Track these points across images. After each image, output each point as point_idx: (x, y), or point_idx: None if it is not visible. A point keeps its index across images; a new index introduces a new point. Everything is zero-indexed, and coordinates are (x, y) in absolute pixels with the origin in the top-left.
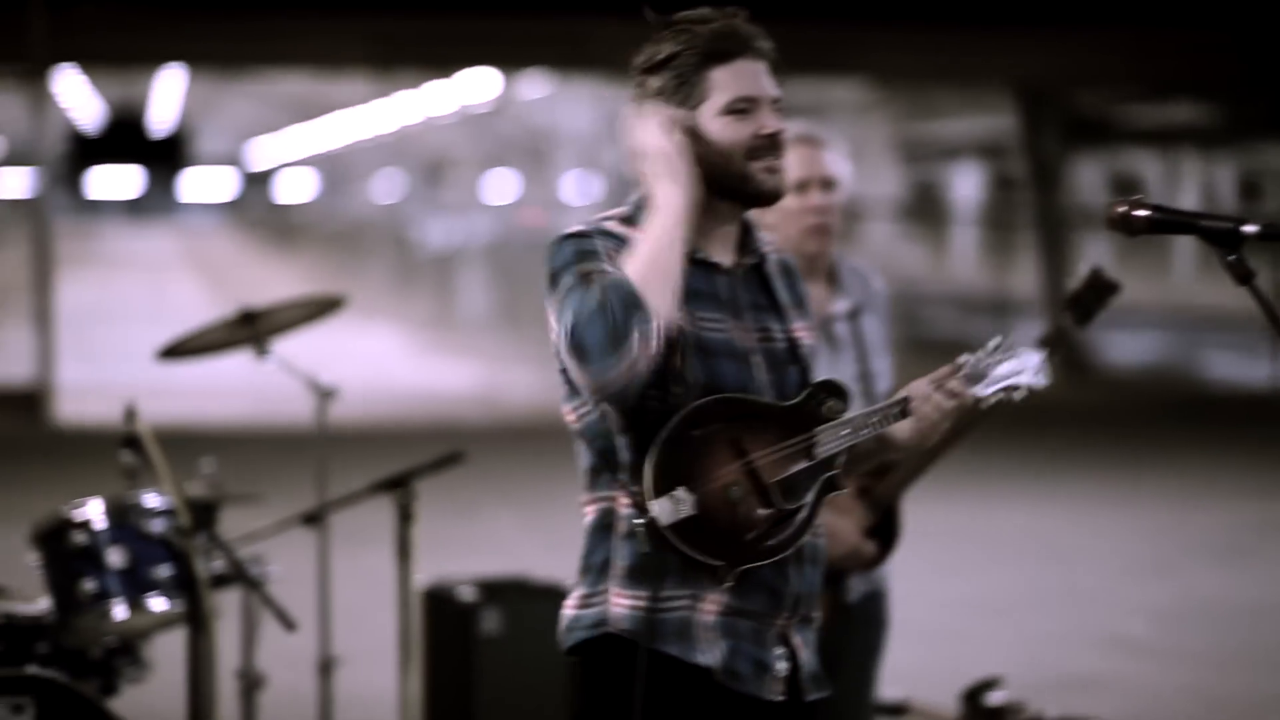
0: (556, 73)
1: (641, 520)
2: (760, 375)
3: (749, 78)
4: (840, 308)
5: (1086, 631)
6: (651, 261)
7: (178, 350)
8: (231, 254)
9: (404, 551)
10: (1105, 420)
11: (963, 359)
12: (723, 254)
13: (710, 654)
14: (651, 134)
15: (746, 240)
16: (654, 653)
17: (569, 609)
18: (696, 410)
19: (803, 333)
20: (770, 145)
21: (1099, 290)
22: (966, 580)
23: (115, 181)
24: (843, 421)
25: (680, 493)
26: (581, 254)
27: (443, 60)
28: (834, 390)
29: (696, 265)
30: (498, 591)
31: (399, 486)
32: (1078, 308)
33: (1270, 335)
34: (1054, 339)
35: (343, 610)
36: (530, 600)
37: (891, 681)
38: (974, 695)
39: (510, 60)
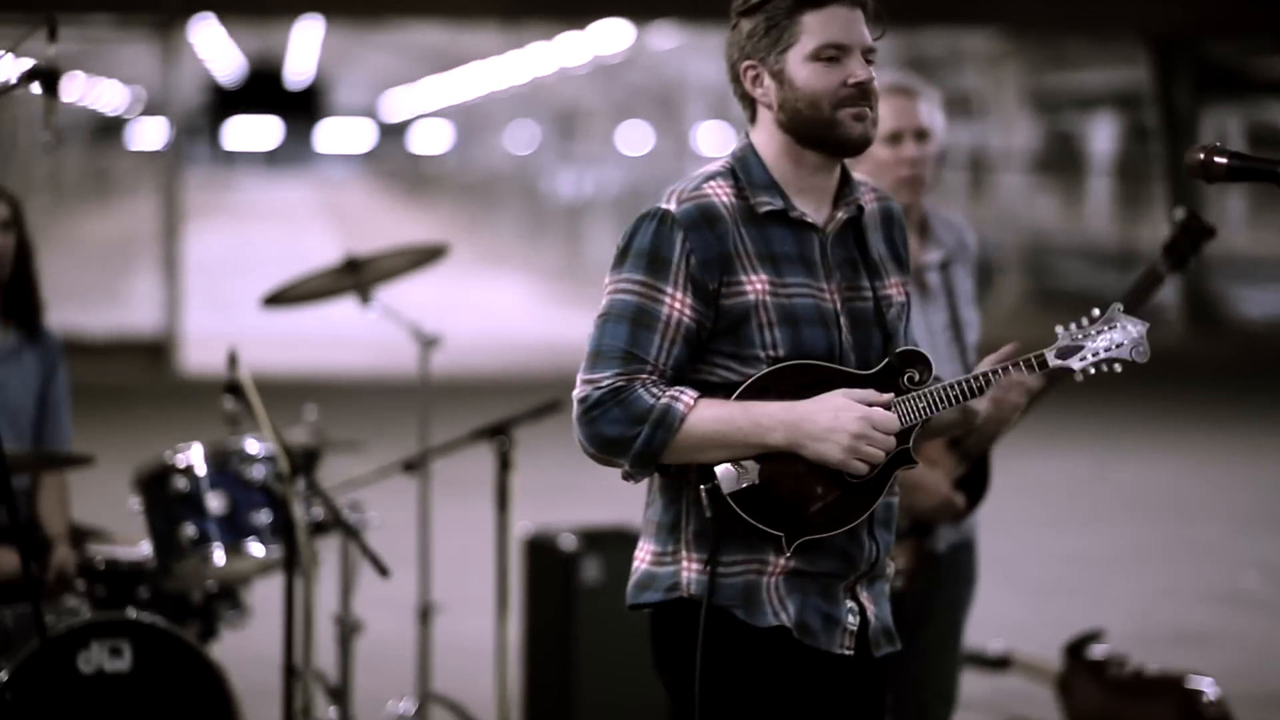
0: (687, 23)
1: (707, 485)
2: (846, 338)
3: (842, 24)
4: (933, 258)
5: (1200, 586)
6: (714, 440)
7: (282, 298)
8: (366, 204)
9: (503, 499)
10: (1231, 373)
11: (1061, 330)
12: (817, 207)
13: (779, 614)
14: (875, 430)
15: (844, 191)
16: (721, 615)
17: (642, 564)
18: (771, 375)
19: (894, 289)
20: (860, 94)
21: (1194, 235)
22: (1079, 534)
23: (253, 132)
24: (920, 394)
25: (747, 461)
26: (656, 263)
27: (574, 11)
28: (914, 360)
29: (790, 225)
30: (598, 540)
31: (498, 434)
32: (1172, 253)
33: None
34: (1147, 284)
35: (443, 559)
36: (631, 548)
37: (1000, 634)
38: (1076, 648)
39: (641, 10)
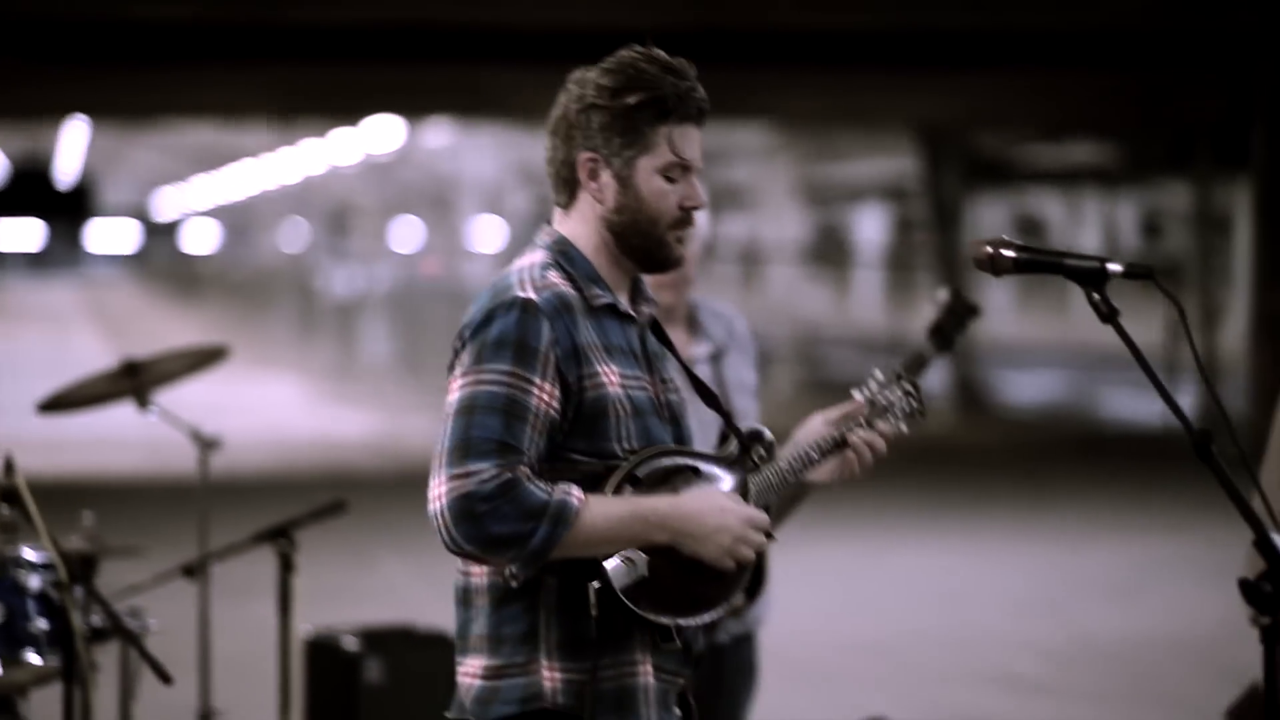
0: (459, 120)
1: (594, 583)
2: (670, 430)
3: (692, 144)
4: (702, 350)
5: (978, 670)
6: (605, 538)
7: (59, 403)
8: (134, 305)
9: (285, 602)
10: (1000, 460)
11: (859, 395)
12: (624, 303)
13: None
14: (752, 530)
15: (638, 286)
16: None
17: (477, 680)
18: (637, 464)
19: (678, 381)
20: (690, 219)
21: (959, 314)
22: (858, 620)
23: (18, 234)
24: (771, 471)
25: (635, 554)
26: (522, 352)
27: (346, 109)
28: (758, 437)
29: (618, 317)
30: (381, 640)
31: (280, 536)
32: (938, 334)
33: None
34: (914, 366)
35: (225, 662)
36: (414, 649)
37: None
38: None
39: (413, 108)
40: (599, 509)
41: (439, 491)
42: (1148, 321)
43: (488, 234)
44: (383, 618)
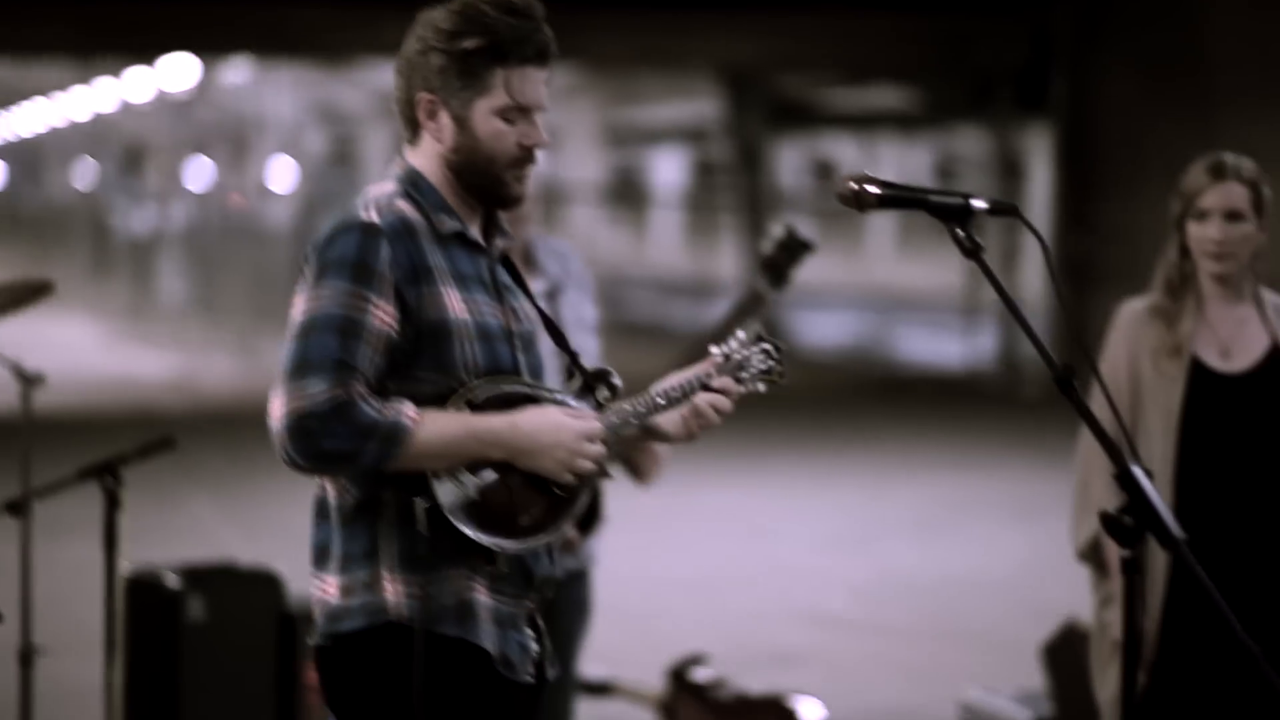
0: (258, 59)
1: (425, 503)
2: (520, 358)
3: (532, 86)
4: (538, 287)
5: (788, 607)
6: (437, 455)
7: None
8: None
9: (110, 539)
10: (801, 401)
11: (717, 352)
12: (475, 233)
13: (488, 639)
14: (588, 445)
15: (492, 218)
16: (434, 637)
17: (330, 598)
18: (478, 389)
19: (533, 312)
20: (530, 156)
21: (792, 249)
22: (670, 559)
23: None
24: (615, 410)
25: (464, 475)
26: (361, 272)
27: (143, 46)
28: (604, 378)
29: (467, 246)
30: (202, 578)
31: (106, 473)
32: (772, 270)
33: (967, 314)
34: (750, 304)
35: (44, 601)
36: (236, 586)
37: (596, 660)
38: (679, 672)
39: (212, 46)
40: (433, 427)
41: (278, 411)
42: (948, 264)
43: (284, 174)
44: (193, 556)
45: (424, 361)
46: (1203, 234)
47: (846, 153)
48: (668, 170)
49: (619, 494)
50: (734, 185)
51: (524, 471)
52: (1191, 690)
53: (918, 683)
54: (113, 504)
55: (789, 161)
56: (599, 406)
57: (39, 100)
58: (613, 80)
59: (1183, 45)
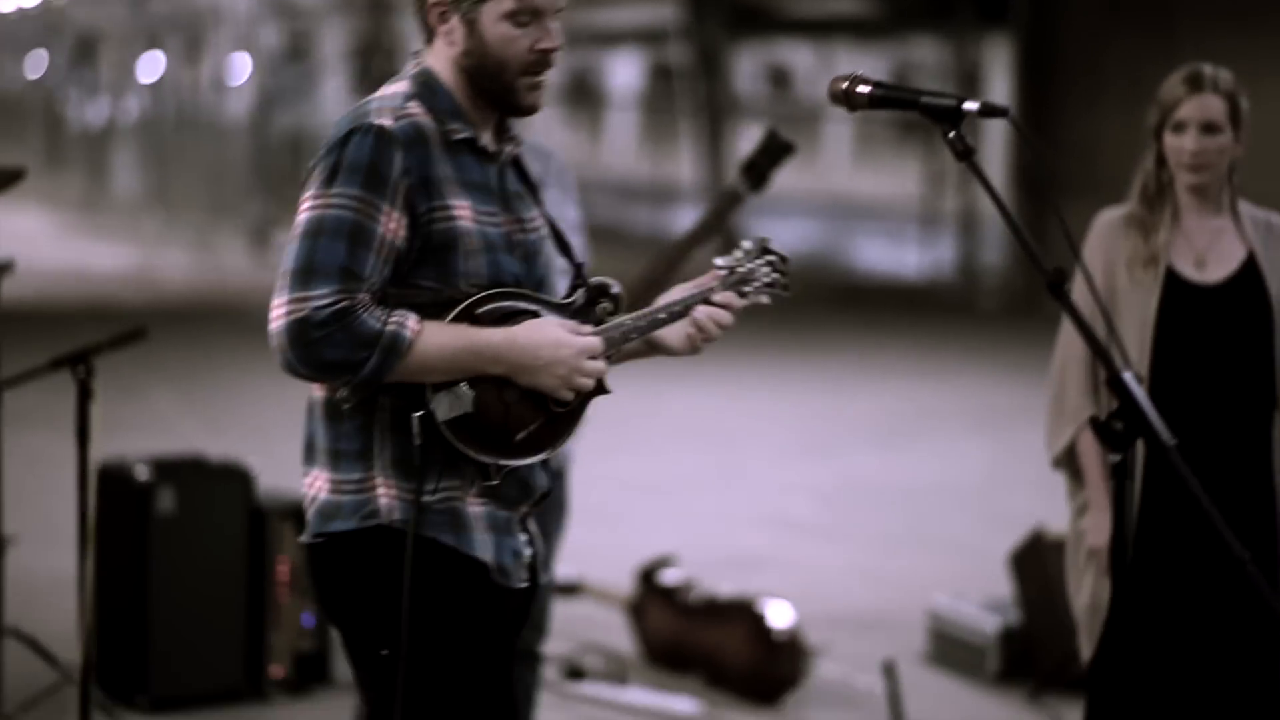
0: None
1: (418, 412)
2: (523, 268)
3: None
4: None
5: (751, 511)
6: (436, 368)
7: None
8: None
9: (83, 430)
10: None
11: (721, 264)
12: (488, 140)
13: (482, 549)
14: (587, 361)
15: (504, 124)
16: (426, 542)
17: (321, 492)
18: (478, 301)
19: (541, 220)
20: (544, 61)
21: (774, 152)
22: (633, 462)
23: None
24: (615, 325)
25: (461, 389)
26: (373, 178)
27: None
28: (604, 290)
29: (476, 153)
30: (172, 470)
31: (79, 363)
32: (753, 171)
33: (920, 223)
34: (727, 204)
35: (13, 492)
36: (206, 479)
37: (563, 561)
38: (649, 574)
39: None
40: (433, 339)
41: (279, 313)
42: (906, 174)
43: (238, 67)
44: (156, 449)
45: (426, 270)
46: (1179, 145)
47: (804, 59)
48: (624, 73)
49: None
50: (691, 90)
51: (522, 386)
52: (1166, 595)
53: (883, 588)
54: (85, 395)
55: (746, 67)
56: (599, 320)
57: None
58: None
59: None
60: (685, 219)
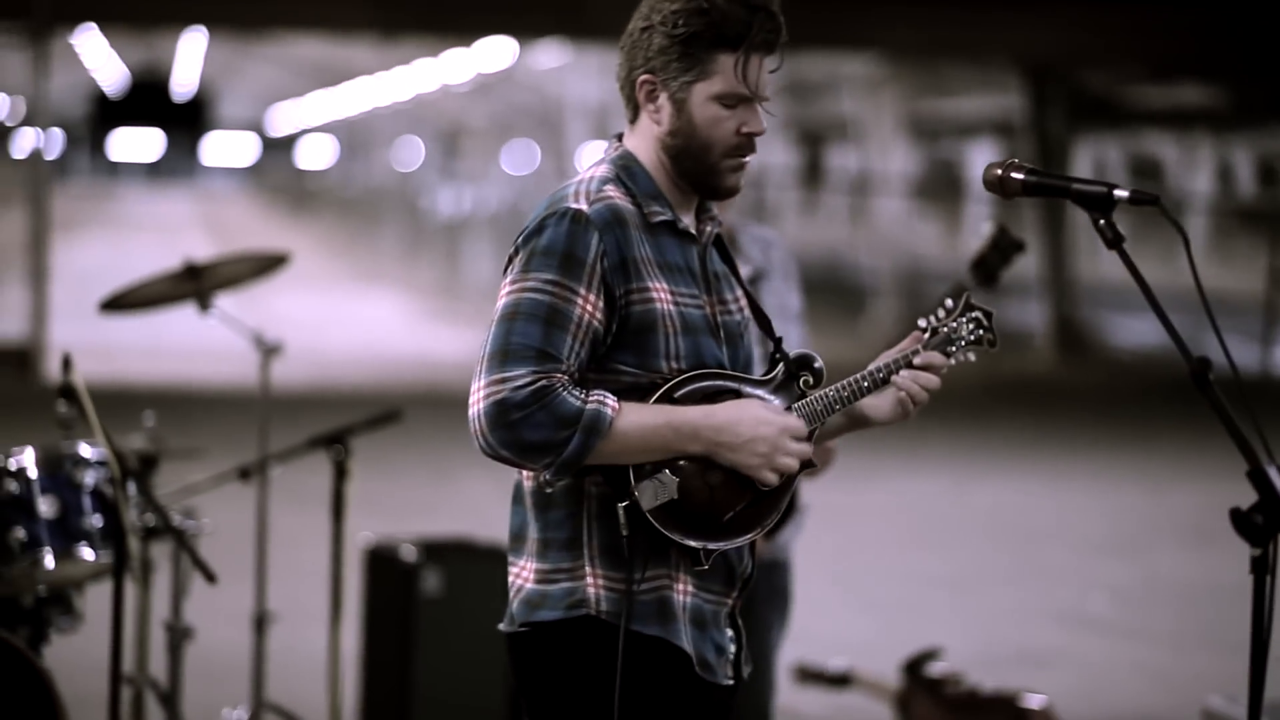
0: (565, 41)
1: (624, 502)
2: (726, 350)
3: (754, 72)
4: (742, 273)
5: (1047, 608)
6: (637, 447)
7: (119, 303)
8: (247, 218)
9: (338, 508)
10: (1096, 401)
11: (923, 324)
12: (689, 222)
13: (686, 640)
14: (790, 440)
15: (704, 206)
16: (632, 635)
17: (527, 582)
18: (679, 384)
19: (744, 302)
20: (749, 145)
21: (1004, 249)
22: (930, 555)
23: (136, 143)
24: (816, 398)
25: (664, 475)
26: (569, 262)
27: (453, 27)
28: (806, 364)
29: (676, 235)
30: (439, 552)
31: (335, 443)
32: (981, 268)
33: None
34: (955, 299)
35: (281, 569)
36: (473, 561)
37: (844, 651)
38: (914, 666)
39: (524, 29)
40: (633, 418)
41: (477, 396)
42: (1255, 268)
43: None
44: (437, 530)
45: (625, 354)
46: None
47: (1164, 151)
48: (979, 164)
49: (885, 484)
50: None
51: (725, 468)
52: None
53: (1167, 689)
54: (340, 474)
55: (1099, 158)
56: (801, 394)
57: (359, 80)
58: (917, 71)
59: None
60: (1031, 313)
